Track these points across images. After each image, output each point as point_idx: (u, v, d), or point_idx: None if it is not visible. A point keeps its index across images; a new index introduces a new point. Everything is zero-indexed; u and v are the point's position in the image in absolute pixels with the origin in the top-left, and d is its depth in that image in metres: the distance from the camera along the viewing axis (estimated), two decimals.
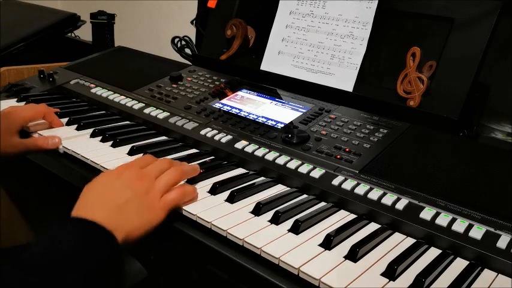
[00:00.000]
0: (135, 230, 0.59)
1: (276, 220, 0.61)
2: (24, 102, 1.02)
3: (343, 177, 0.69)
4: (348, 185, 0.68)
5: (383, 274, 0.53)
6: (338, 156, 0.74)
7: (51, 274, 0.49)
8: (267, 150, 0.77)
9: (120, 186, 0.62)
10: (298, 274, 0.52)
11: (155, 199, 0.63)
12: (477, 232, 0.58)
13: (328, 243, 0.57)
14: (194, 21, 1.32)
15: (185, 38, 1.33)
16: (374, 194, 0.65)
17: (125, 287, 0.80)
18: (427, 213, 0.61)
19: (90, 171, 0.76)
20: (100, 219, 0.56)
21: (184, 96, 0.99)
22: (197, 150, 0.83)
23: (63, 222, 0.56)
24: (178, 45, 1.32)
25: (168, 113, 0.93)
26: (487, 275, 0.54)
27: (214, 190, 0.68)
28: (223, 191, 0.68)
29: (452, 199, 0.63)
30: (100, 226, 0.55)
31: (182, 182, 0.68)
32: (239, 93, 0.98)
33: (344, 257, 0.55)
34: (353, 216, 0.65)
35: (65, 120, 0.92)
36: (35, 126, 0.88)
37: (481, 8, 0.82)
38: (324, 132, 0.81)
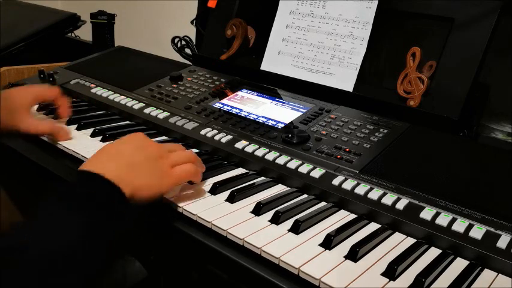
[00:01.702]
0: (143, 189, 0.59)
1: (276, 220, 0.61)
2: None
3: (343, 177, 0.69)
4: (348, 185, 0.68)
5: (383, 274, 0.53)
6: (338, 156, 0.74)
7: (52, 237, 0.49)
8: (267, 150, 0.77)
9: (133, 148, 0.63)
10: (299, 274, 0.52)
11: (168, 167, 0.63)
12: (477, 232, 0.58)
13: (328, 243, 0.57)
14: (194, 21, 1.32)
15: (185, 38, 1.33)
16: (374, 194, 0.65)
17: (125, 287, 0.80)
18: (427, 213, 0.61)
19: None
20: (106, 172, 0.56)
21: (184, 96, 0.99)
22: (197, 150, 0.83)
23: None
24: (179, 45, 1.32)
25: (168, 113, 0.93)
26: (487, 275, 0.54)
27: (214, 190, 0.68)
28: (223, 191, 0.68)
29: (452, 199, 0.63)
30: (105, 178, 0.55)
31: None
32: (239, 93, 0.98)
33: (344, 257, 0.55)
34: (353, 216, 0.65)
35: (65, 120, 0.92)
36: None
37: (481, 8, 0.82)
38: (324, 132, 0.81)
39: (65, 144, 0.82)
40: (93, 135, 0.86)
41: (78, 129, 0.89)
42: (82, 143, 0.83)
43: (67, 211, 0.52)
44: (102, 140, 0.84)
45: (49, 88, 0.89)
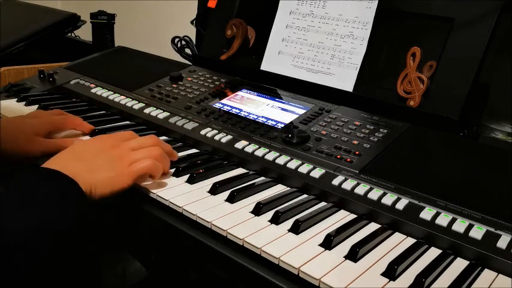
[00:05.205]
0: (99, 187, 0.62)
1: (276, 220, 0.61)
2: (24, 102, 1.02)
3: (343, 177, 0.69)
4: (348, 185, 0.68)
5: (383, 274, 0.53)
6: (338, 156, 0.74)
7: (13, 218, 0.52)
8: (267, 150, 0.77)
9: (94, 149, 0.67)
10: (298, 274, 0.52)
11: (124, 165, 0.66)
12: (477, 232, 0.58)
13: (328, 243, 0.57)
14: (194, 21, 1.32)
15: (185, 38, 1.33)
16: (374, 194, 0.65)
17: (125, 287, 0.80)
18: (427, 213, 0.61)
19: None
20: (62, 168, 0.59)
21: (184, 96, 0.99)
22: (197, 150, 0.83)
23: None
24: (179, 45, 1.32)
25: (168, 113, 0.93)
26: (487, 275, 0.54)
27: (214, 190, 0.68)
28: (223, 191, 0.68)
29: (452, 199, 0.63)
30: (62, 173, 0.58)
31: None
32: (239, 93, 0.98)
33: (344, 257, 0.55)
34: (353, 216, 0.65)
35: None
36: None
37: (481, 8, 0.82)
38: (324, 132, 0.81)
39: None
40: (93, 135, 0.86)
41: None
42: None
43: (24, 202, 0.55)
44: None
45: (66, 119, 0.86)
